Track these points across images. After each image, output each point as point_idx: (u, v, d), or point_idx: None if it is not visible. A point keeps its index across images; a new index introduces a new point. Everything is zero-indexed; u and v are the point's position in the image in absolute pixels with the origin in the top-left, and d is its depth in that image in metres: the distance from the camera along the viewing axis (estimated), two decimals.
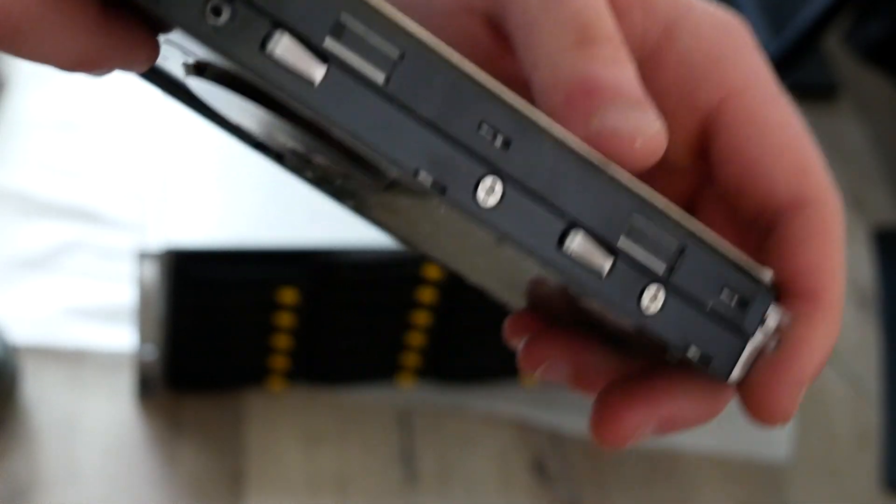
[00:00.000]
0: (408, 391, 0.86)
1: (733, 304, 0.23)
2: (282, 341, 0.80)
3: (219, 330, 0.80)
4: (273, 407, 0.84)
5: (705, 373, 0.24)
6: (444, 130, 0.20)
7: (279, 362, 0.82)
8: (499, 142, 0.21)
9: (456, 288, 0.79)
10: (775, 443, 0.90)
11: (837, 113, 1.20)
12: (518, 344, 0.28)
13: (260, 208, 0.77)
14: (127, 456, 0.80)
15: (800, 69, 1.22)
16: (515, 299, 0.29)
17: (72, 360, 0.83)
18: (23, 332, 0.83)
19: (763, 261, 0.25)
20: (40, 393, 0.81)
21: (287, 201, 0.76)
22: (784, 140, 0.25)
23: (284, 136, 0.25)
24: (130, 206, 0.92)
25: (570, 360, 0.27)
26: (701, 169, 0.27)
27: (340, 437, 0.84)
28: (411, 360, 0.84)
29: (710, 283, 0.23)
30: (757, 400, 0.24)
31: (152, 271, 0.73)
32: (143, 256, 0.73)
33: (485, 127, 0.21)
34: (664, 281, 0.22)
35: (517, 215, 0.21)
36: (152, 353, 0.79)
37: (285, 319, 0.78)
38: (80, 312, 0.86)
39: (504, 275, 0.27)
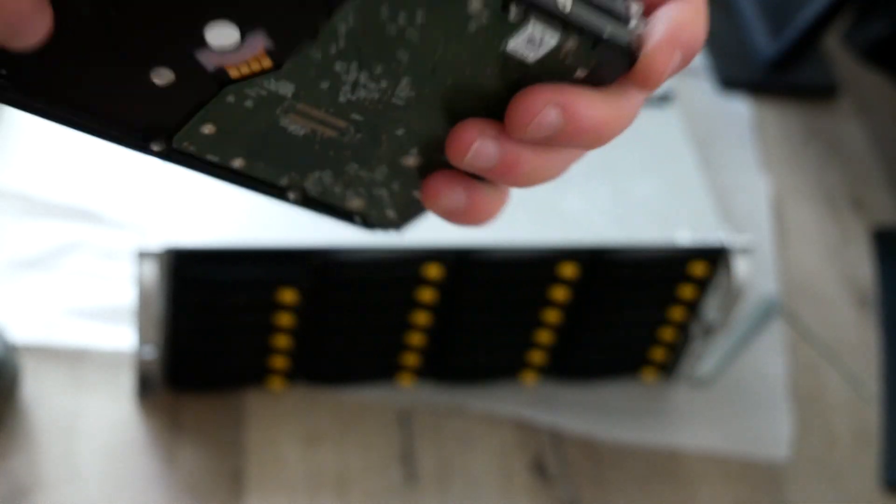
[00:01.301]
0: (408, 391, 0.86)
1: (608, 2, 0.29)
2: (282, 341, 0.80)
3: (219, 330, 0.80)
4: (273, 407, 0.84)
5: (608, 55, 0.29)
6: None
7: (279, 362, 0.82)
8: None
9: (456, 288, 0.79)
10: (775, 443, 0.90)
11: (837, 113, 1.20)
12: (450, 197, 0.31)
13: (259, 208, 0.77)
14: (127, 456, 0.80)
15: (800, 69, 1.22)
16: (413, 177, 0.33)
17: (72, 359, 0.83)
18: (23, 332, 0.83)
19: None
20: (40, 393, 0.81)
21: None
22: None
23: None
24: (130, 206, 0.92)
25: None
26: None
27: (340, 437, 0.84)
28: (411, 360, 0.84)
29: None
30: (639, 67, 0.29)
31: (152, 271, 0.73)
32: (143, 256, 0.73)
33: None
34: None
35: None
36: (152, 353, 0.79)
37: (285, 319, 0.78)
38: (80, 312, 0.86)
39: (430, 119, 0.30)
